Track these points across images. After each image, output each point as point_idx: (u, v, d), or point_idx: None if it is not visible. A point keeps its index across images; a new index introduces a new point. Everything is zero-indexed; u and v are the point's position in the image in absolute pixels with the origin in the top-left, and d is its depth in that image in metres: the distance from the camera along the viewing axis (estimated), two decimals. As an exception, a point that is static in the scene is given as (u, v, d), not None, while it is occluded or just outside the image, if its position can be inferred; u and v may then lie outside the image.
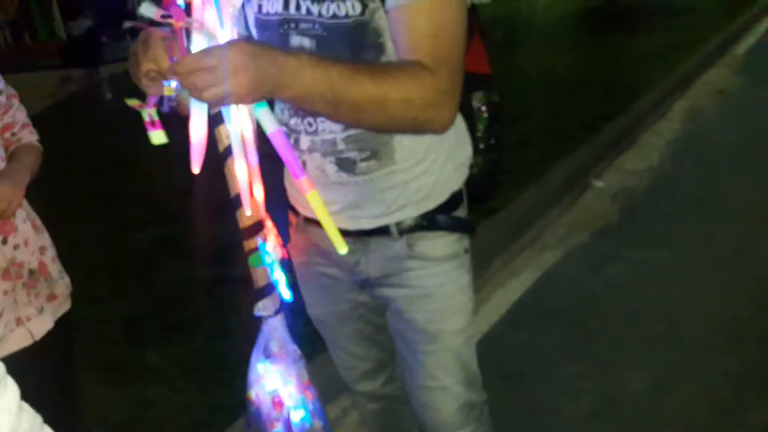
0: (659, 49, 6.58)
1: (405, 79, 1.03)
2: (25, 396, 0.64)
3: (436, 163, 1.28)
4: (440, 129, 1.12)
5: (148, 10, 0.97)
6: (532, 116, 4.83)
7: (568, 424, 2.17)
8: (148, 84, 1.03)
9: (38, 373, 1.45)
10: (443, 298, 1.35)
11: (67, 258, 1.73)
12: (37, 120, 1.75)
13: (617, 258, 3.09)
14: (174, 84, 1.04)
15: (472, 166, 1.37)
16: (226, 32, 1.00)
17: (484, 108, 1.40)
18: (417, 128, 1.13)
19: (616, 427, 2.14)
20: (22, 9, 12.34)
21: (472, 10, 1.32)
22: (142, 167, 4.97)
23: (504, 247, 3.21)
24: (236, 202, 1.11)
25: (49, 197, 1.66)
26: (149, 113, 1.09)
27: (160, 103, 1.09)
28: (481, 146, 1.40)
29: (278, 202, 1.40)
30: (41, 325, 1.57)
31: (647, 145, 4.52)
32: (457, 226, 1.34)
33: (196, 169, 1.06)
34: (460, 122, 1.32)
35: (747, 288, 2.75)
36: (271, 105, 1.12)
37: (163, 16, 0.96)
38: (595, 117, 4.75)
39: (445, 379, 1.39)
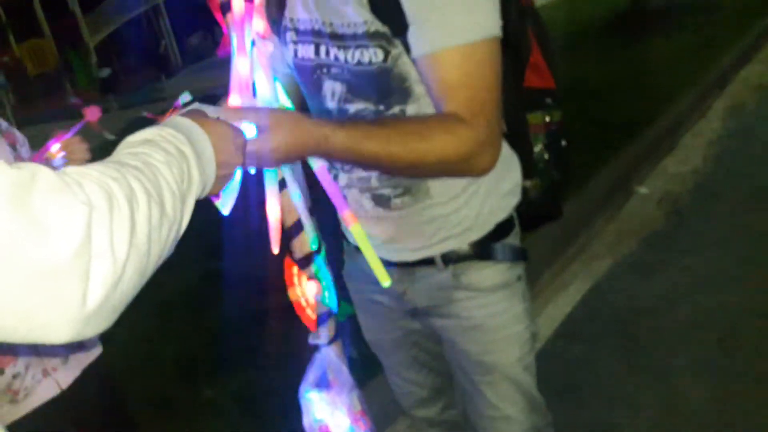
0: (689, 48, 6.44)
1: (439, 140, 1.03)
2: None
3: (476, 195, 1.25)
4: (482, 174, 1.13)
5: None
6: (567, 124, 4.77)
7: (630, 439, 2.11)
8: None
9: (79, 419, 1.51)
10: (496, 329, 1.31)
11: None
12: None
13: (668, 265, 3.01)
14: None
15: (527, 190, 1.33)
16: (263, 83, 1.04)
17: (541, 128, 1.34)
18: (457, 176, 1.18)
19: (679, 440, 2.08)
20: (63, 59, 12.92)
21: (532, 16, 1.26)
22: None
23: (551, 259, 3.17)
24: (292, 233, 1.15)
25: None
26: None
27: None
28: (541, 166, 1.34)
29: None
30: (67, 375, 1.58)
31: (689, 147, 4.41)
32: (505, 255, 1.29)
33: (275, 249, 1.12)
34: (505, 149, 1.27)
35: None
36: None
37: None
38: (632, 122, 4.65)
39: (508, 409, 1.36)
